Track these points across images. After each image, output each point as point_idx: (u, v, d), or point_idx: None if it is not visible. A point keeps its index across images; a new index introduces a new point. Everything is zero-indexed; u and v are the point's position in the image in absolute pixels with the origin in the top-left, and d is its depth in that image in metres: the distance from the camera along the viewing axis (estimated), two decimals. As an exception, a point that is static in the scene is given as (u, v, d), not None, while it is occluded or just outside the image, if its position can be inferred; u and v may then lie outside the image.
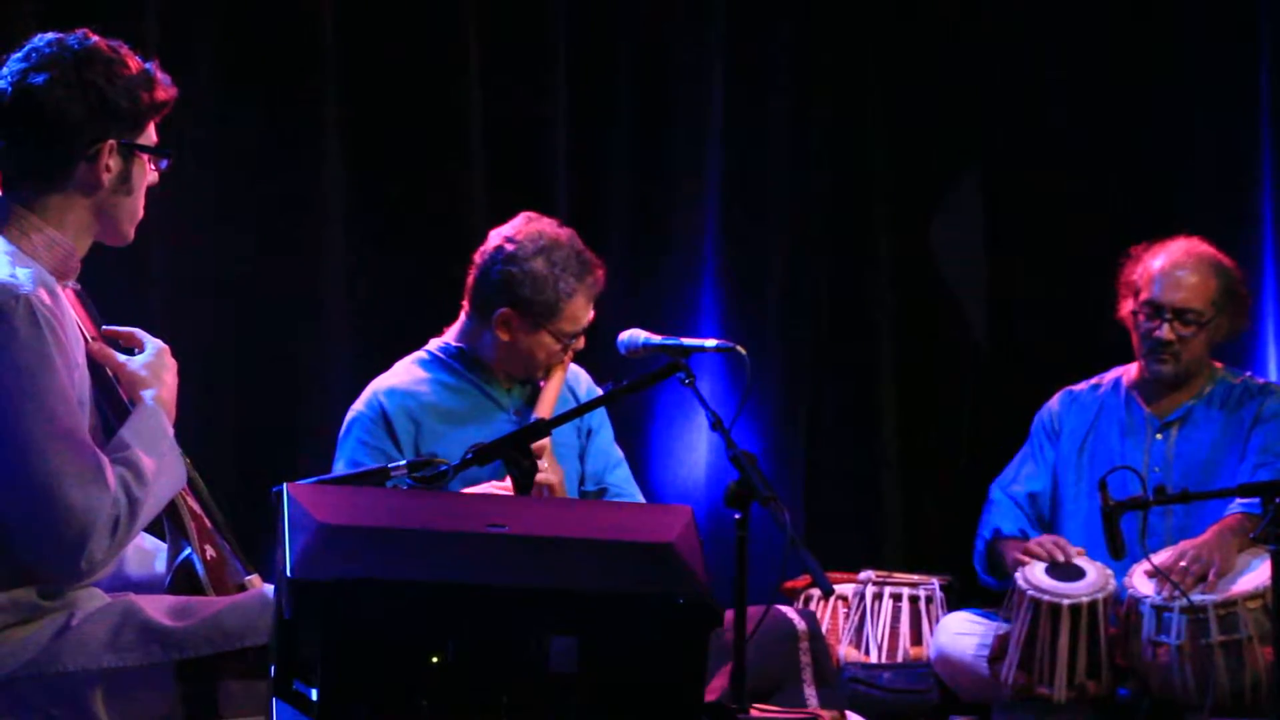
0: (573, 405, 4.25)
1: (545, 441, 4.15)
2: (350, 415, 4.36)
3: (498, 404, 4.37)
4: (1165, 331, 4.92)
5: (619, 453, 4.52)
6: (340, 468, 4.29)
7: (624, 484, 4.47)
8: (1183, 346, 4.94)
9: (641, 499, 4.50)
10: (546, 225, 4.33)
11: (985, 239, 6.29)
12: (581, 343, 4.37)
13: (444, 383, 4.37)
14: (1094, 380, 5.19)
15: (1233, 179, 5.95)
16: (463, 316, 4.42)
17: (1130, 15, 6.06)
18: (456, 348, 4.40)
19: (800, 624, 4.11)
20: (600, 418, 4.49)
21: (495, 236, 4.36)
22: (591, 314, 4.35)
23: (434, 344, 4.44)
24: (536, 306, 4.26)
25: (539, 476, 4.11)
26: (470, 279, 4.38)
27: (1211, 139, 6.01)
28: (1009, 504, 5.09)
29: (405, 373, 4.40)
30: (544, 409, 4.29)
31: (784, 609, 4.22)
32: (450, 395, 4.36)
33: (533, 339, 4.30)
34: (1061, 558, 4.78)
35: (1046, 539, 4.88)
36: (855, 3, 6.18)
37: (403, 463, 3.47)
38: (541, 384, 4.37)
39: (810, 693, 4.05)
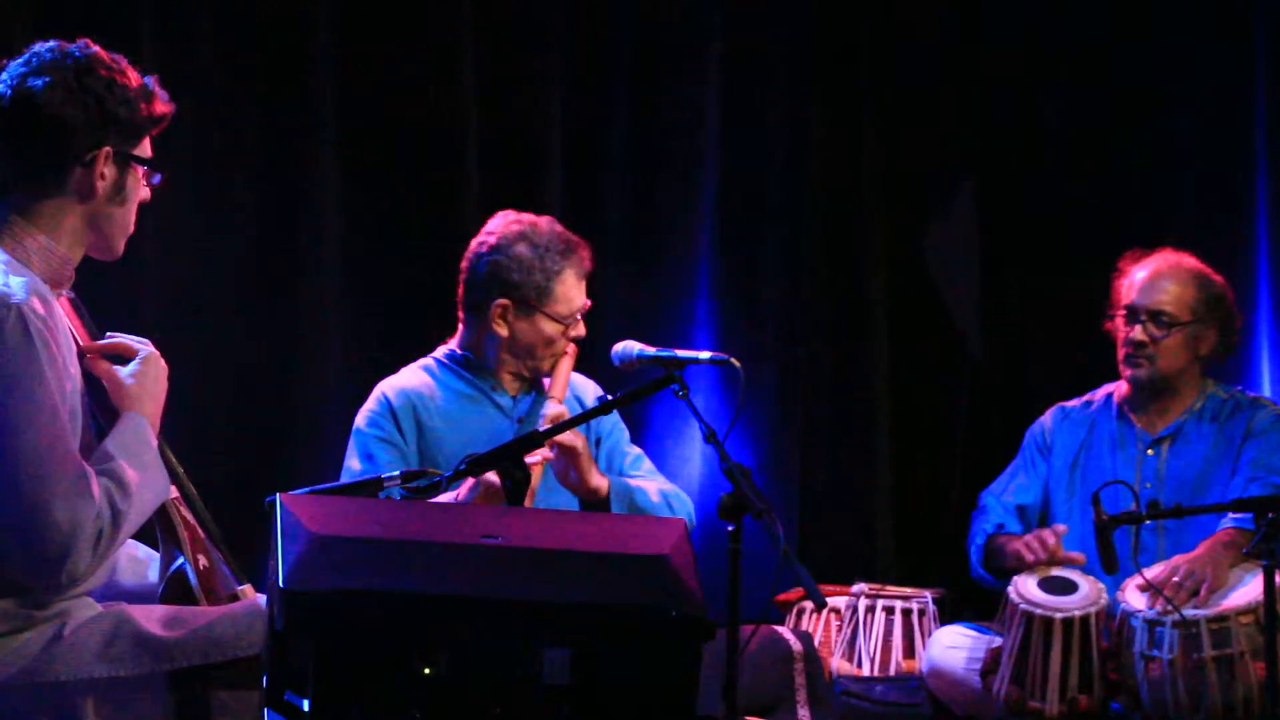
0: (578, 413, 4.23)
1: (563, 409, 4.22)
2: (360, 416, 4.38)
3: (502, 410, 4.40)
4: (1138, 332, 4.93)
5: (636, 450, 4.54)
6: (354, 464, 4.31)
7: (649, 475, 4.48)
8: (1156, 349, 4.93)
9: (664, 481, 4.49)
10: (524, 216, 4.39)
11: (981, 249, 6.29)
12: (582, 329, 4.37)
13: (450, 387, 4.40)
14: (1086, 397, 5.19)
15: (1229, 198, 5.95)
16: (461, 326, 4.45)
17: (1128, 23, 6.06)
18: (462, 354, 4.43)
19: (796, 645, 4.10)
20: (611, 425, 4.50)
21: (476, 239, 4.40)
22: (586, 299, 4.37)
23: (440, 350, 4.48)
24: (528, 290, 4.30)
25: (564, 438, 4.13)
26: (460, 285, 4.41)
27: (1207, 154, 6.00)
28: (1001, 509, 5.08)
29: (413, 375, 4.44)
30: (556, 391, 4.32)
31: (779, 629, 4.21)
32: (455, 400, 4.39)
33: (530, 325, 4.32)
34: (1052, 540, 4.77)
35: (1038, 533, 4.87)
36: (853, 8, 6.19)
37: (396, 473, 3.47)
38: (546, 381, 4.38)
39: (804, 714, 4.04)
